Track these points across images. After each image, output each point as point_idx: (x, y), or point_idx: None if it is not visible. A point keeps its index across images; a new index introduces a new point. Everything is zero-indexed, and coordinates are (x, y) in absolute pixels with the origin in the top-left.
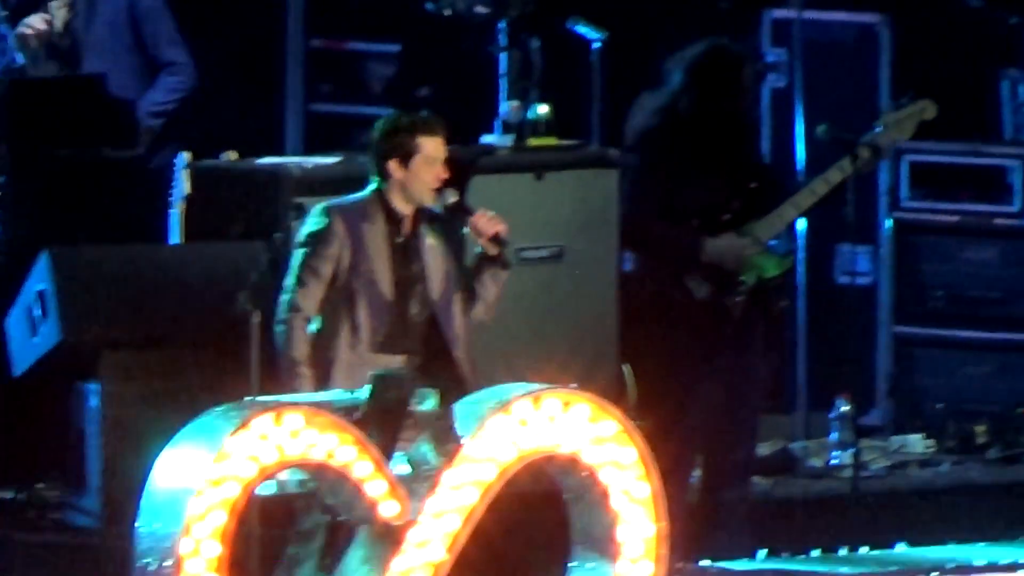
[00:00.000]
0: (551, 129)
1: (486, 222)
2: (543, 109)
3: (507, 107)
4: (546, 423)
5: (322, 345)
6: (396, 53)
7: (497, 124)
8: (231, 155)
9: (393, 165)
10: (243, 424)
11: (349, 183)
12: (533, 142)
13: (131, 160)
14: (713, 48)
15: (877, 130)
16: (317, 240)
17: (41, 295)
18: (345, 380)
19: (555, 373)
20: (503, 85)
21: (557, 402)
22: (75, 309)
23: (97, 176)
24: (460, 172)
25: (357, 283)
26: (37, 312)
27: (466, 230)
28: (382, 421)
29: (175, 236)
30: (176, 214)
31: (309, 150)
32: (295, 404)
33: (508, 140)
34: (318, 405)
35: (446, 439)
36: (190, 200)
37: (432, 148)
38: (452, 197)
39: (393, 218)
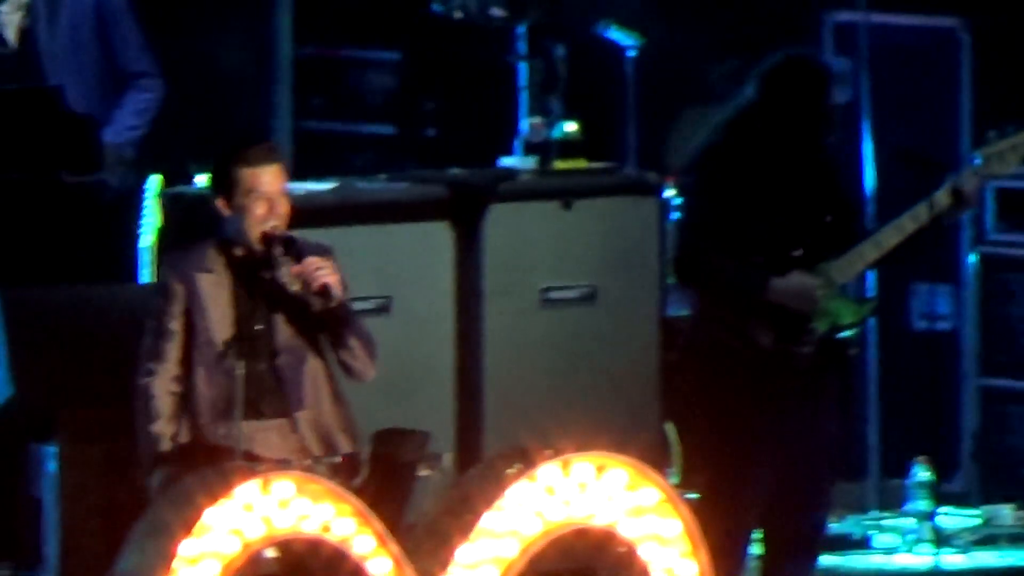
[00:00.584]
0: (580, 150)
1: (312, 272)
2: (570, 127)
3: (528, 125)
4: (576, 491)
5: None
6: (397, 62)
7: (517, 144)
8: (209, 179)
9: (220, 203)
10: (225, 492)
11: (345, 212)
12: (559, 165)
13: (93, 185)
14: (793, 59)
15: (976, 162)
16: (160, 299)
17: None
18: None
19: (587, 433)
20: (524, 99)
21: (589, 467)
22: (28, 360)
23: (54, 204)
24: (475, 200)
25: (195, 345)
26: None
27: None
28: (386, 488)
29: (145, 274)
30: (146, 249)
31: (299, 174)
32: (285, 469)
33: (530, 163)
34: (310, 468)
35: (460, 508)
36: (162, 232)
37: (254, 180)
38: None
39: (233, 265)
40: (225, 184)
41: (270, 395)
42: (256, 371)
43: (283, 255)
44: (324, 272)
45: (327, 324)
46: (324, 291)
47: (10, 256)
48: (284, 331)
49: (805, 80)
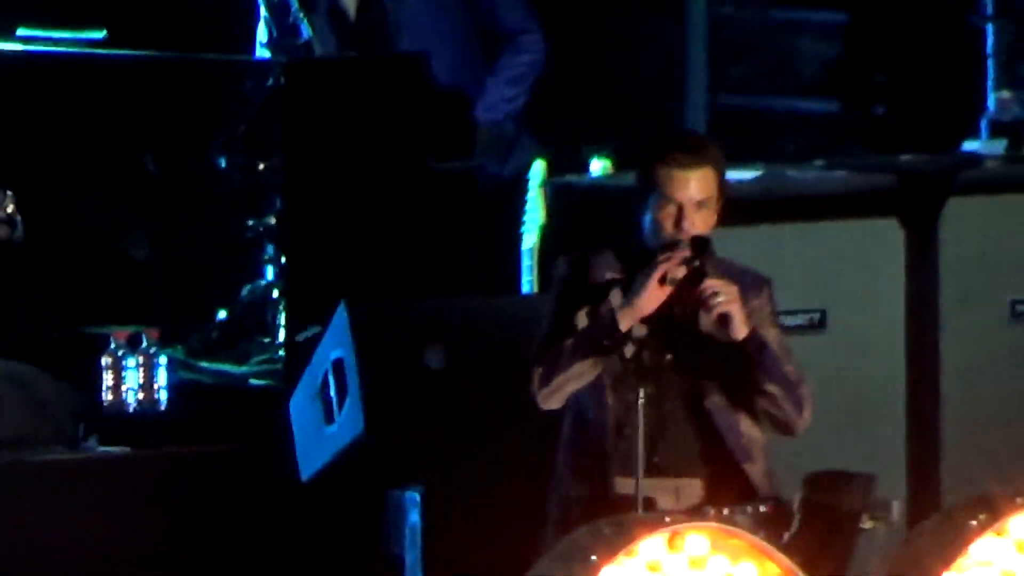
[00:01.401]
0: None
1: (708, 298)
2: None
3: (996, 100)
4: None
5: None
6: (840, 25)
7: (983, 124)
8: (603, 165)
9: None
10: (625, 547)
11: (772, 207)
12: None
13: (463, 174)
14: None
15: None
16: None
17: (337, 367)
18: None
19: None
20: (991, 69)
21: None
22: (386, 389)
23: (417, 196)
24: (932, 192)
25: None
26: (332, 391)
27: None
28: (823, 543)
29: (527, 282)
30: (528, 251)
31: None
32: (697, 519)
33: (999, 147)
34: (729, 519)
35: (912, 568)
36: (548, 231)
37: (666, 184)
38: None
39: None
40: (643, 183)
41: (672, 445)
42: (661, 412)
43: (681, 275)
44: (722, 300)
45: (739, 362)
46: (723, 321)
47: (362, 260)
48: (699, 366)
49: None
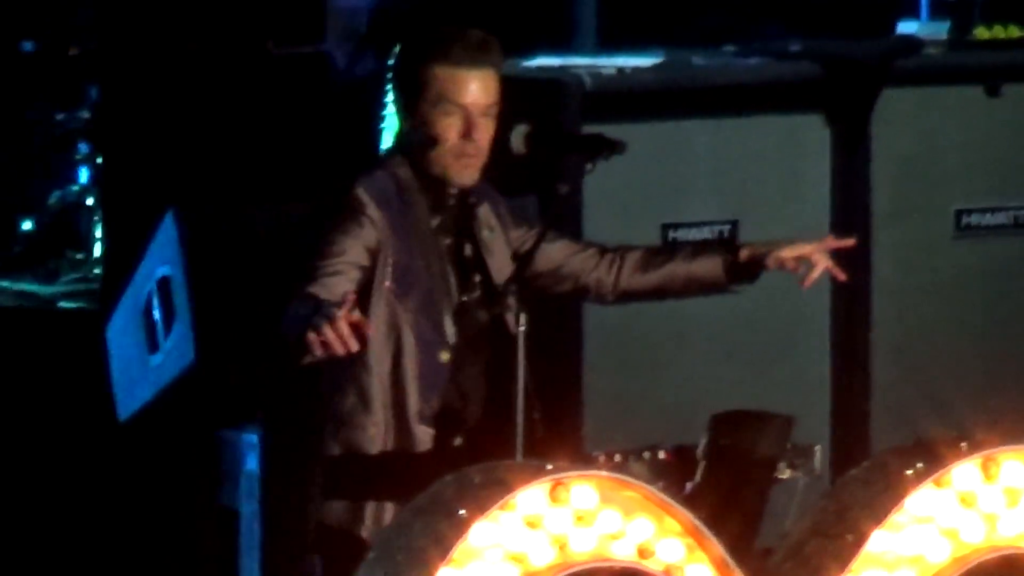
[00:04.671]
0: (1012, 12)
1: None
2: None
3: None
4: (1002, 502)
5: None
6: None
7: (923, 2)
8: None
9: (403, 110)
10: (499, 500)
11: (674, 100)
12: (982, 34)
13: (311, 60)
14: None
15: None
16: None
17: (163, 286)
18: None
19: (1020, 417)
20: None
21: (1022, 467)
22: (221, 312)
23: (254, 87)
24: (862, 83)
25: (401, 312)
26: (157, 315)
27: None
28: (732, 496)
29: None
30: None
31: (607, 42)
32: (584, 468)
33: (941, 29)
34: (622, 467)
35: (837, 525)
36: None
37: (451, 85)
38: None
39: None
40: (407, 83)
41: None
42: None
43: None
44: None
45: None
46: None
47: (192, 161)
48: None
49: None
